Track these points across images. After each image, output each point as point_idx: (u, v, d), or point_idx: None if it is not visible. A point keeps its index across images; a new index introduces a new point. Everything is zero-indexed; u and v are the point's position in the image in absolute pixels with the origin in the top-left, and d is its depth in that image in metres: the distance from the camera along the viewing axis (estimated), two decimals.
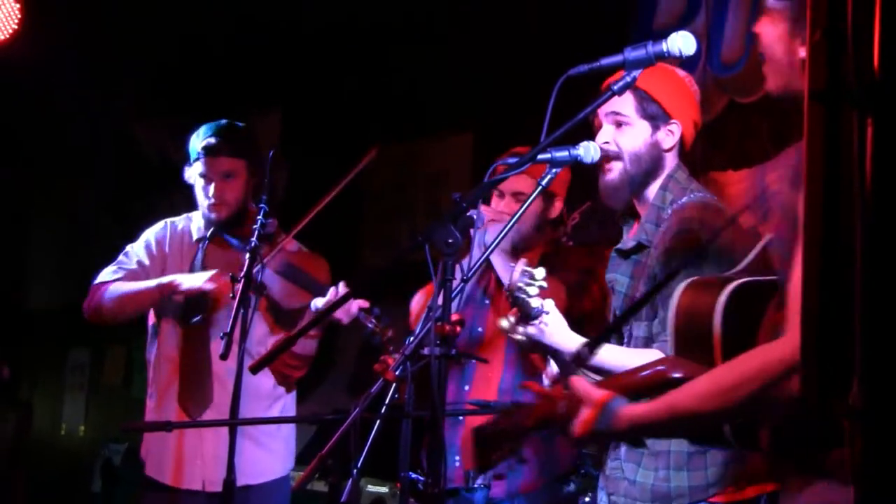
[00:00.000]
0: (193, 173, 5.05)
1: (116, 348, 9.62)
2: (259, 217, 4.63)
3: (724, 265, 3.12)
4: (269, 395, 5.03)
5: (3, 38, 6.72)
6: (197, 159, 5.02)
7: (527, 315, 3.48)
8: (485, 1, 6.87)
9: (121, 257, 5.15)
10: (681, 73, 3.78)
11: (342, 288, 4.69)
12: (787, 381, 2.28)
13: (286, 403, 5.11)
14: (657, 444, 3.53)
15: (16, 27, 6.74)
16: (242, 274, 4.47)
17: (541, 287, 3.46)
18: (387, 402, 3.60)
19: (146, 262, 5.11)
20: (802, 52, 2.50)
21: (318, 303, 4.71)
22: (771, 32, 2.59)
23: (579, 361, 2.87)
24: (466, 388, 4.65)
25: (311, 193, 4.89)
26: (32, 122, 8.68)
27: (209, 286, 4.84)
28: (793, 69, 2.54)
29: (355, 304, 4.67)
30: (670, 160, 3.71)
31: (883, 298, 1.46)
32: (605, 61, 3.14)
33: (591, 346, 2.90)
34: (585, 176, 4.50)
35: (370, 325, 4.61)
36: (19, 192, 9.54)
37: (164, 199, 7.66)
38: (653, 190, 3.68)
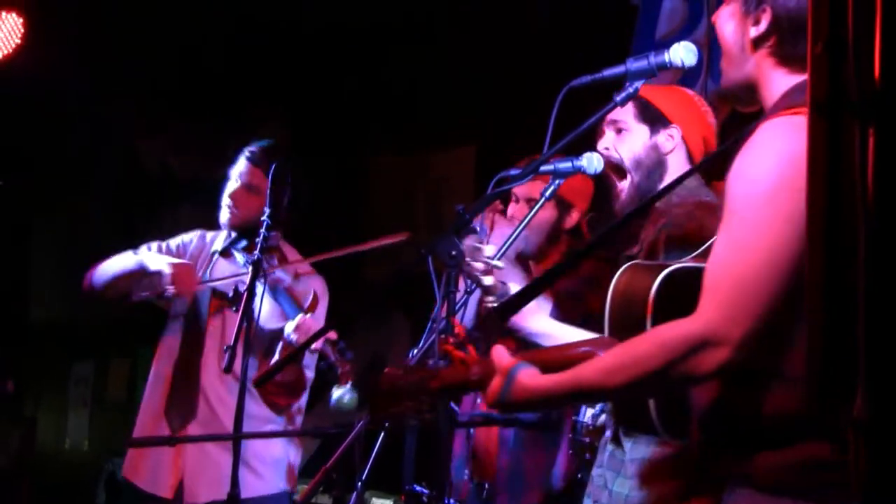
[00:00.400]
0: (234, 171, 5.12)
1: (120, 362, 9.62)
2: (261, 230, 4.64)
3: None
4: (257, 417, 5.01)
5: (7, 52, 6.74)
6: (241, 158, 5.11)
7: (485, 290, 3.49)
8: (488, 12, 6.87)
9: (142, 247, 5.21)
10: (690, 92, 3.77)
11: (310, 320, 4.73)
12: (694, 357, 2.27)
13: (278, 428, 5.09)
14: (634, 451, 3.51)
15: (19, 41, 6.75)
16: (245, 287, 4.48)
17: (494, 266, 3.47)
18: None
19: (163, 253, 5.16)
20: (753, 31, 2.53)
21: (289, 328, 4.74)
22: (726, 16, 2.61)
23: (489, 321, 2.82)
24: (479, 400, 4.65)
25: (314, 205, 4.91)
26: (35, 136, 8.69)
27: (168, 269, 4.88)
28: (743, 52, 2.57)
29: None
30: (675, 164, 3.69)
31: (887, 309, 1.46)
32: (608, 72, 3.13)
33: (503, 310, 2.86)
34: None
35: (332, 358, 4.61)
36: (21, 206, 9.54)
37: (167, 212, 7.68)
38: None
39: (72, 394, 10.09)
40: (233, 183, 5.11)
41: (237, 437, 4.44)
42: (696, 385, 2.47)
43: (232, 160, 5.21)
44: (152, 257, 5.04)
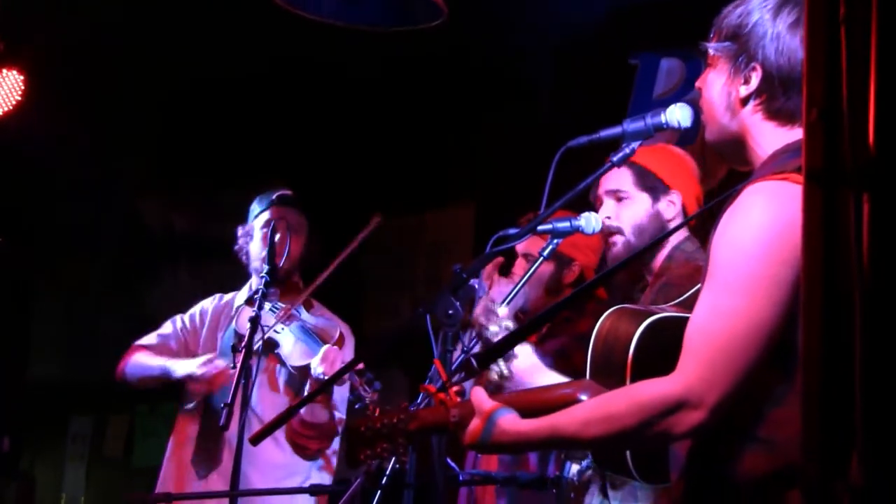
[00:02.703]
0: (255, 226, 5.09)
1: (118, 418, 9.59)
2: (260, 287, 4.64)
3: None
4: (281, 467, 4.99)
5: (6, 109, 6.76)
6: (264, 210, 5.08)
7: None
8: (486, 72, 6.90)
9: (165, 324, 5.23)
10: (679, 151, 3.79)
11: (336, 350, 4.73)
12: (669, 418, 2.30)
13: (307, 478, 5.05)
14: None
15: (19, 98, 6.78)
16: (244, 344, 4.47)
17: (506, 327, 3.47)
18: (388, 472, 3.60)
19: (188, 327, 5.18)
20: (743, 90, 2.55)
21: (314, 362, 4.73)
22: (713, 77, 2.63)
23: (469, 369, 2.81)
24: (479, 457, 4.64)
25: (315, 263, 4.92)
26: (36, 194, 8.70)
27: (199, 371, 4.87)
28: (729, 110, 2.59)
29: None
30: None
31: (883, 376, 1.46)
32: (605, 133, 3.15)
33: (482, 359, 2.85)
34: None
35: (362, 392, 4.61)
36: (23, 264, 9.55)
37: (167, 272, 7.68)
38: (658, 262, 3.68)
39: (69, 450, 10.04)
40: (272, 232, 5.04)
41: (233, 495, 4.42)
42: (669, 443, 2.52)
43: (245, 213, 5.21)
44: (177, 364, 5.02)
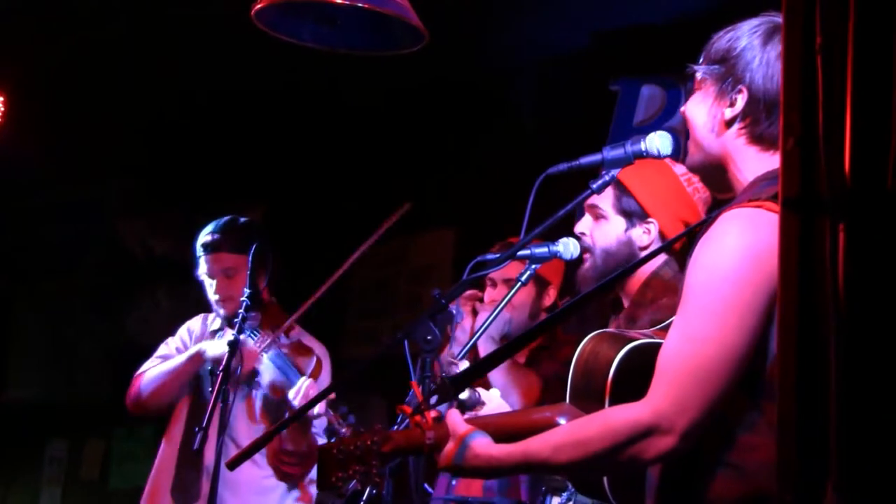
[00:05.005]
0: (200, 272, 5.08)
1: (94, 442, 9.54)
2: (240, 311, 4.61)
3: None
4: (261, 491, 4.96)
5: None
6: (199, 257, 5.05)
7: (461, 404, 3.49)
8: (467, 98, 6.92)
9: (160, 347, 5.16)
10: (679, 170, 3.73)
11: (311, 385, 4.70)
12: (639, 443, 2.31)
13: (281, 498, 5.03)
14: None
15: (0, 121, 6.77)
16: (221, 368, 4.45)
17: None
18: (365, 498, 3.59)
19: (183, 349, 5.11)
20: (728, 112, 2.55)
21: (291, 394, 4.70)
22: (699, 100, 2.64)
23: (445, 393, 2.79)
24: (454, 483, 4.62)
25: (297, 287, 4.91)
26: (15, 217, 8.69)
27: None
28: (713, 133, 2.60)
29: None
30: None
31: (857, 405, 1.46)
32: (584, 160, 3.15)
33: (457, 382, 2.83)
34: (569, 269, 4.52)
35: (336, 426, 4.58)
36: (1, 286, 9.53)
37: (146, 295, 7.66)
38: (634, 285, 3.66)
39: (45, 473, 10.00)
40: (210, 280, 5.03)
41: None
42: (641, 468, 2.51)
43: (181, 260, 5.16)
44: (208, 344, 4.94)
